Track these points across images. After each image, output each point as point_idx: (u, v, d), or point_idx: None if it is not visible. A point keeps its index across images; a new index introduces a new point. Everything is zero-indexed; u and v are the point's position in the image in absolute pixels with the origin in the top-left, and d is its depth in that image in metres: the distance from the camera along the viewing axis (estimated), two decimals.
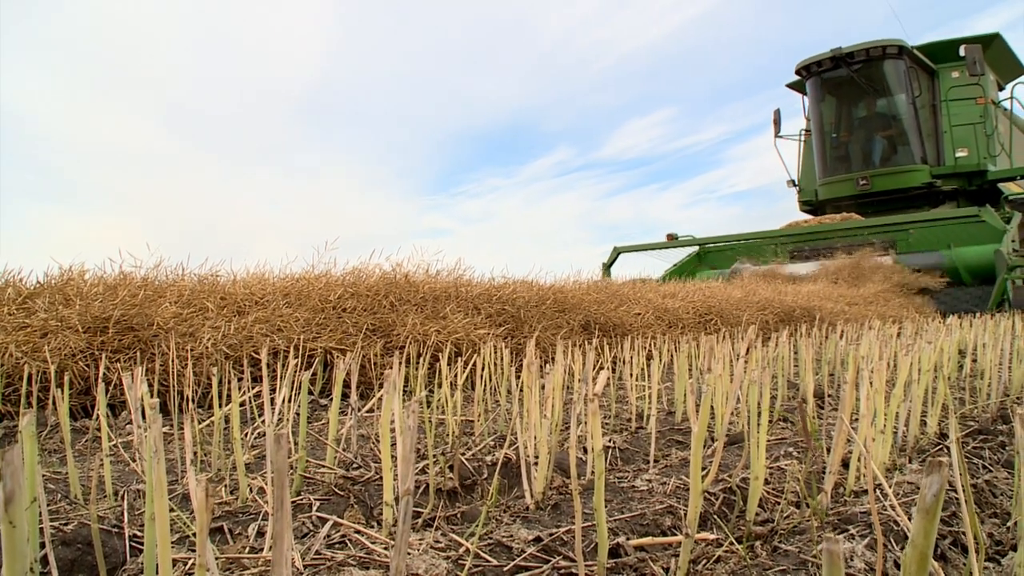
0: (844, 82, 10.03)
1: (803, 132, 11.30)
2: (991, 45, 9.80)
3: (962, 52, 9.00)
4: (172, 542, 0.99)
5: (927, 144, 9.79)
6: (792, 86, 11.35)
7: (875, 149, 10.06)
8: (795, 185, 11.41)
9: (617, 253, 9.33)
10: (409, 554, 0.96)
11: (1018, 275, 6.67)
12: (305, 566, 0.94)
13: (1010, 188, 9.59)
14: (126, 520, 1.08)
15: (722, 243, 9.54)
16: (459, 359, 2.53)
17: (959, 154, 9.69)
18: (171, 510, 1.11)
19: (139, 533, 1.04)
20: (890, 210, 9.73)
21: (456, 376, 1.90)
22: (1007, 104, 10.42)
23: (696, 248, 9.85)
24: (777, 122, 11.17)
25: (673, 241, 9.39)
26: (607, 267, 9.28)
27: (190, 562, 0.95)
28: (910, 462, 1.50)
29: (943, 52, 9.98)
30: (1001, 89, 10.71)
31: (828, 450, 1.35)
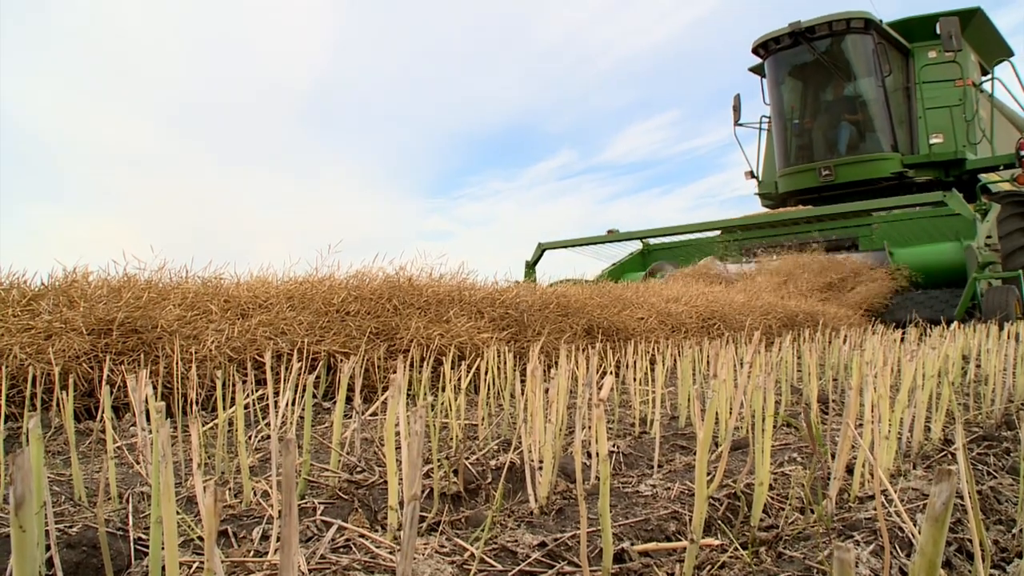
0: (806, 61, 8.86)
1: (763, 119, 10.02)
2: (971, 22, 8.60)
3: (938, 29, 7.84)
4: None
5: (899, 130, 8.59)
6: (755, 70, 10.00)
7: (840, 136, 8.85)
8: (754, 176, 10.18)
9: (542, 250, 8.18)
10: (414, 559, 0.96)
11: (990, 274, 5.74)
12: (310, 570, 0.94)
13: (990, 179, 8.76)
14: (131, 523, 1.08)
15: (665, 235, 8.34)
16: (463, 363, 2.53)
17: (934, 140, 8.50)
18: (175, 513, 1.11)
19: (144, 536, 1.05)
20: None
21: (460, 380, 1.90)
22: (989, 87, 9.24)
23: (640, 244, 8.78)
24: (737, 108, 9.96)
25: (610, 235, 8.14)
26: (531, 265, 8.17)
27: (194, 565, 0.95)
28: (915, 468, 1.50)
29: (918, 29, 8.79)
30: (985, 74, 9.49)
31: (832, 456, 1.34)
